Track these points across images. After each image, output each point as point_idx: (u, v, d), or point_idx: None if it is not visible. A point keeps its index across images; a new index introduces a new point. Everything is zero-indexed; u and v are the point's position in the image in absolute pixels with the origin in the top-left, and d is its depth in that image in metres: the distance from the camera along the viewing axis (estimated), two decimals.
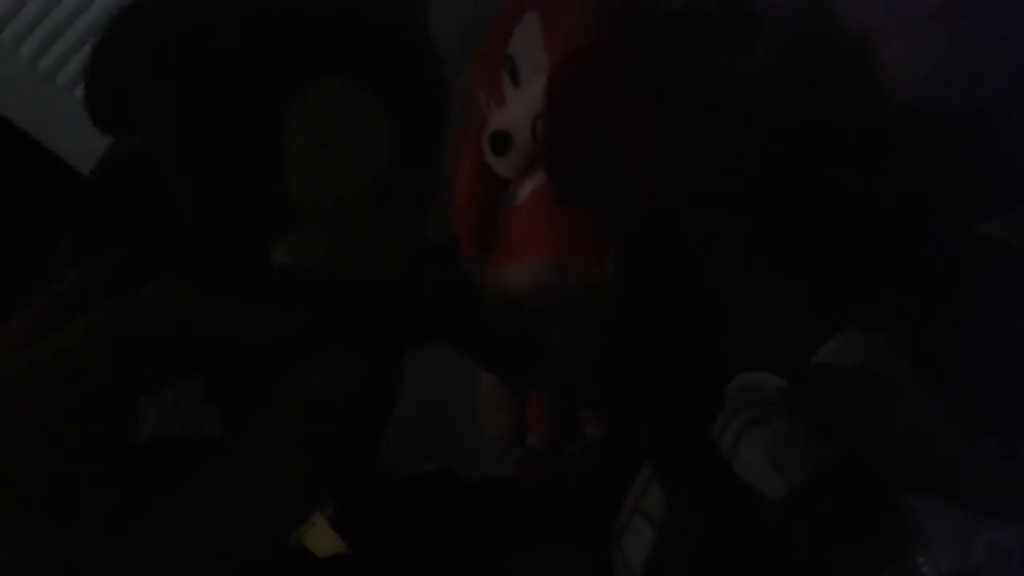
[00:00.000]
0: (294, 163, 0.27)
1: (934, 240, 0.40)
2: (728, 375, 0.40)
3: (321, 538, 0.44)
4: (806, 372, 0.39)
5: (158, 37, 0.28)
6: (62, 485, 0.18)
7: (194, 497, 0.18)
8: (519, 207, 0.62)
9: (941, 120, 0.39)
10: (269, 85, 0.27)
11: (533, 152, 0.57)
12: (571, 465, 0.51)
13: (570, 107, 0.52)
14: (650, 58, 0.53)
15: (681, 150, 0.50)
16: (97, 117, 0.31)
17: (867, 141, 0.42)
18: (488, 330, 0.46)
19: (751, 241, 0.43)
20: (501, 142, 0.58)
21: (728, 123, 0.49)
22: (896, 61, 0.40)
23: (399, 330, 0.34)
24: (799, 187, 0.44)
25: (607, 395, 0.48)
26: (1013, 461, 0.38)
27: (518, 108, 0.57)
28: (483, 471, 0.54)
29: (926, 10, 0.39)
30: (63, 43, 0.78)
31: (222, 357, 0.21)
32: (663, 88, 0.53)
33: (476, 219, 0.65)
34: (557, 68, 0.53)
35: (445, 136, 0.33)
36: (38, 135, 0.81)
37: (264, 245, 0.29)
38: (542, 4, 0.56)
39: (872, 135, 0.42)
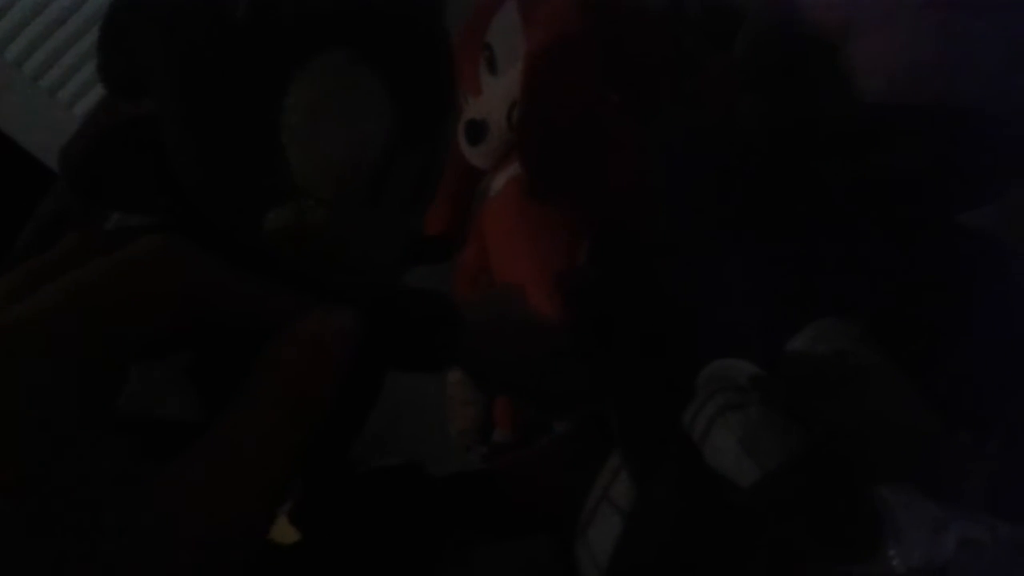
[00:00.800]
0: (290, 134, 0.27)
1: (913, 230, 0.40)
2: (700, 362, 0.39)
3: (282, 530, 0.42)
4: (780, 359, 0.38)
5: (168, 2, 0.28)
6: (62, 449, 0.16)
7: (193, 470, 0.17)
8: (492, 199, 0.61)
9: (922, 112, 0.39)
10: (273, 53, 0.27)
11: (508, 142, 0.56)
12: (539, 458, 0.50)
13: (547, 94, 0.52)
14: (628, 49, 0.52)
15: (658, 141, 0.49)
16: (109, 81, 0.31)
17: (848, 134, 0.42)
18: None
19: (727, 229, 0.43)
20: (477, 130, 0.57)
21: (706, 116, 0.49)
22: (878, 52, 0.40)
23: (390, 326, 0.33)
24: (777, 179, 0.43)
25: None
26: (986, 453, 0.37)
27: (495, 96, 0.56)
28: (448, 467, 0.52)
29: (912, 1, 0.39)
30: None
31: (216, 321, 0.20)
32: (641, 79, 0.53)
33: (449, 211, 0.64)
34: (534, 55, 0.52)
35: (445, 127, 0.33)
36: None
37: (259, 214, 0.29)
38: None
39: (853, 127, 0.42)
